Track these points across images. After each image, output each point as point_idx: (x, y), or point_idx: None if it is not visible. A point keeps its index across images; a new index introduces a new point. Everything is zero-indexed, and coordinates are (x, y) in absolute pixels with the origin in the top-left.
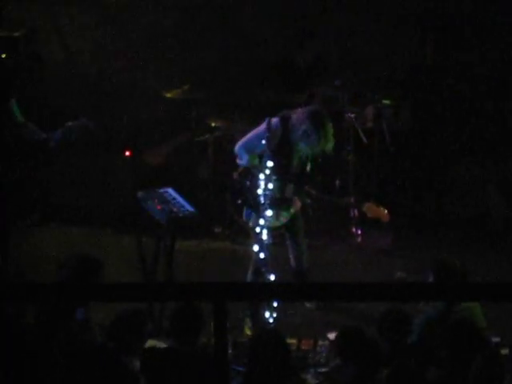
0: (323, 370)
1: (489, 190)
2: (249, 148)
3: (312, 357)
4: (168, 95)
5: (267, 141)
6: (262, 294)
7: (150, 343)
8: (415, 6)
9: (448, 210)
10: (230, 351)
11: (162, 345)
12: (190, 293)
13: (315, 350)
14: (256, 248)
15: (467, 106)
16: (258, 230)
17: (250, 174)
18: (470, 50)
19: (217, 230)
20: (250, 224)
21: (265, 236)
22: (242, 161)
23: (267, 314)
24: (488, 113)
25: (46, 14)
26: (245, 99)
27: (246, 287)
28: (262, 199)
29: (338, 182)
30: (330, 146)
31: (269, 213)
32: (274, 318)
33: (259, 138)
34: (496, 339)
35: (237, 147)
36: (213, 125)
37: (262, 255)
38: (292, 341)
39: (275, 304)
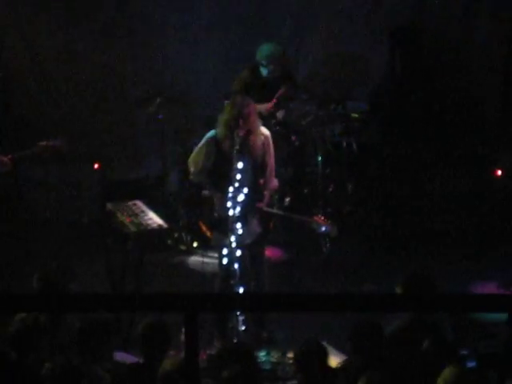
0: (292, 382)
1: None
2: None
3: (281, 369)
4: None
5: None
6: (234, 304)
7: (118, 356)
8: (384, 21)
9: (418, 222)
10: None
11: (130, 358)
12: (161, 303)
13: (284, 362)
14: (225, 261)
15: (436, 119)
16: (224, 250)
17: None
18: (437, 64)
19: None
20: (212, 243)
21: (235, 248)
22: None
23: (236, 326)
24: (456, 124)
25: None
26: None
27: (218, 298)
28: (230, 213)
29: (306, 192)
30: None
31: (238, 225)
32: (244, 330)
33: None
34: (463, 351)
35: (189, 161)
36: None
37: (231, 267)
38: (261, 353)
39: (243, 316)
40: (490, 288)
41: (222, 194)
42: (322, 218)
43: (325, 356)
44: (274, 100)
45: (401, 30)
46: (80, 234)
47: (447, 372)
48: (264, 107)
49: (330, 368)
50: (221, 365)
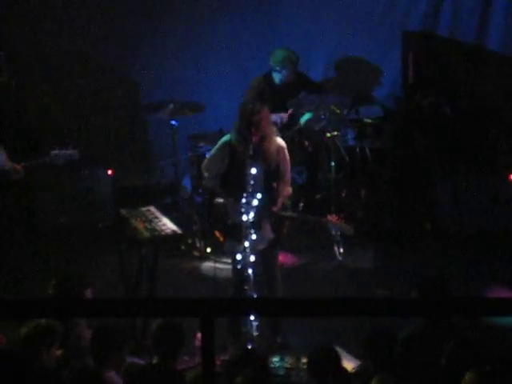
0: None
1: None
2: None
3: (295, 374)
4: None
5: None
6: (249, 309)
7: (130, 361)
8: (397, 26)
9: (431, 227)
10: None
11: (141, 362)
12: (177, 308)
13: (298, 367)
14: (239, 266)
15: (449, 124)
16: (238, 256)
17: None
18: (450, 68)
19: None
20: (226, 249)
21: (249, 254)
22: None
23: (250, 332)
24: (469, 130)
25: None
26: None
27: (234, 302)
28: (243, 218)
29: (319, 197)
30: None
31: (251, 231)
32: (257, 336)
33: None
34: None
35: (203, 167)
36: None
37: (245, 273)
38: (275, 358)
39: (257, 322)
40: (504, 292)
41: (235, 200)
42: (336, 217)
43: (337, 359)
44: (290, 111)
45: (414, 35)
46: (94, 240)
47: (469, 376)
48: (279, 117)
49: (344, 371)
50: (234, 370)
